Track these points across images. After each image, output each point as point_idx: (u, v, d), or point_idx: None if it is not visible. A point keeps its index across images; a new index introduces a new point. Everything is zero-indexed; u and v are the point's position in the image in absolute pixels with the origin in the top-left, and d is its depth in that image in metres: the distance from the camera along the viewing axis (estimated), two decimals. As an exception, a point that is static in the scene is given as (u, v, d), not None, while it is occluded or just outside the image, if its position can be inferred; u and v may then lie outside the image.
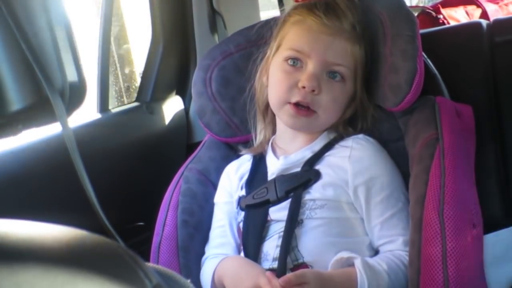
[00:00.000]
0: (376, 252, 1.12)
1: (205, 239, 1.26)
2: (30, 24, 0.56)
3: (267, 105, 1.23)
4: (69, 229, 0.45)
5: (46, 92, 0.53)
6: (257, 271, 1.06)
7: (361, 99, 1.19)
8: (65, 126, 0.52)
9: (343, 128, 1.20)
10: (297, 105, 1.13)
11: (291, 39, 1.17)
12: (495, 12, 2.52)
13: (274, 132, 1.26)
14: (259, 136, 1.27)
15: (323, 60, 1.13)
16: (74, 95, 0.57)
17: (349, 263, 1.05)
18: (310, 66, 1.13)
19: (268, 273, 1.03)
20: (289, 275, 1.01)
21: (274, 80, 1.18)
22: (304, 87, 1.12)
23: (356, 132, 1.20)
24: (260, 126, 1.27)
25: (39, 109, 0.55)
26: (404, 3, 1.23)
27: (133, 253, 0.44)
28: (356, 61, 1.15)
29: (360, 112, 1.20)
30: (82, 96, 0.58)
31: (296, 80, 1.13)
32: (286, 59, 1.16)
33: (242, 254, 1.16)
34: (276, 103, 1.18)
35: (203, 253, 1.24)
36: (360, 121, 1.21)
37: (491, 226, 1.12)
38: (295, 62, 1.15)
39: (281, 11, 1.22)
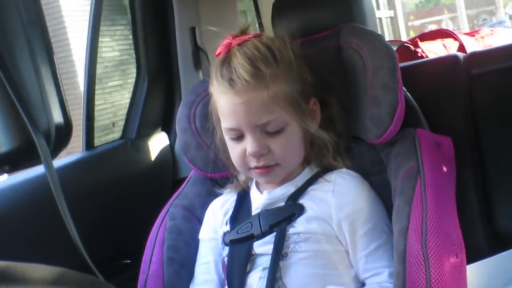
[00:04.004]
0: (362, 284, 1.12)
1: (191, 275, 1.25)
2: (15, 65, 0.56)
3: None
4: (55, 268, 0.46)
5: (31, 134, 0.54)
6: None
7: (314, 132, 1.17)
8: (49, 168, 0.52)
9: (326, 162, 1.21)
10: (257, 167, 1.14)
11: (220, 116, 1.17)
12: (472, 45, 2.58)
13: None
14: (241, 174, 1.28)
15: (253, 126, 1.11)
16: (59, 136, 0.58)
17: None
18: (247, 135, 1.12)
19: None
20: None
21: (227, 144, 1.19)
22: (252, 156, 1.13)
23: (339, 165, 1.21)
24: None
25: (25, 151, 0.55)
26: (383, 38, 1.25)
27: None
28: (290, 101, 1.12)
29: (324, 143, 1.19)
30: (68, 136, 0.59)
31: (243, 149, 1.14)
32: (227, 133, 1.16)
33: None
34: (239, 169, 1.19)
35: (189, 289, 1.23)
36: (340, 152, 1.21)
37: (473, 255, 1.12)
38: (234, 135, 1.15)
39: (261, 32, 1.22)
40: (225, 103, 1.13)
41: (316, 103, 1.19)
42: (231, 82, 1.10)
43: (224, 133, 1.18)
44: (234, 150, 1.16)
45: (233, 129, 1.13)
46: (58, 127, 0.57)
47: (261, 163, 1.13)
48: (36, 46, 0.58)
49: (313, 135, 1.18)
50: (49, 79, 0.59)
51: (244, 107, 1.10)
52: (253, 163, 1.14)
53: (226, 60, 1.13)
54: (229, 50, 1.13)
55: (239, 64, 1.10)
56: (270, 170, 1.15)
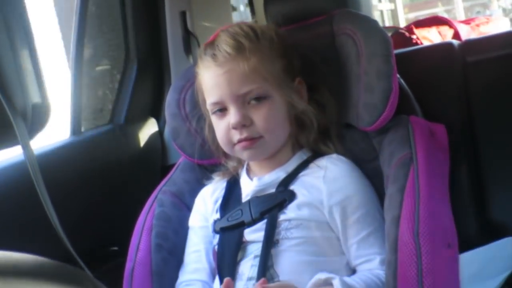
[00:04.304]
0: (353, 271, 1.11)
1: (179, 263, 1.23)
2: None
3: None
4: (29, 256, 0.44)
5: (8, 114, 0.51)
6: None
7: (304, 109, 1.17)
8: (27, 149, 0.50)
9: (317, 147, 1.19)
10: (240, 141, 1.14)
11: (205, 93, 1.19)
12: (467, 33, 2.56)
13: None
14: (230, 161, 1.26)
15: (235, 96, 1.12)
16: (37, 117, 0.56)
17: (327, 284, 1.04)
18: (230, 107, 1.13)
19: (226, 279, 1.03)
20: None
21: (213, 123, 1.20)
22: (235, 128, 1.13)
23: (330, 151, 1.19)
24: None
25: (1, 131, 0.53)
26: (378, 24, 1.23)
27: (95, 280, 0.42)
28: (271, 74, 1.14)
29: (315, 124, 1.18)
30: (46, 117, 0.57)
31: (228, 123, 1.14)
32: (212, 109, 1.17)
33: (217, 277, 1.15)
34: (224, 147, 1.19)
35: (177, 278, 1.21)
36: (332, 138, 1.20)
37: (466, 245, 1.11)
38: (218, 109, 1.15)
39: (254, 22, 1.23)
40: (208, 76, 1.15)
41: (301, 83, 1.20)
42: (213, 56, 1.14)
43: (209, 111, 1.18)
44: (219, 127, 1.16)
45: (217, 103, 1.15)
46: (36, 107, 0.55)
47: (244, 135, 1.13)
48: (13, 24, 0.55)
49: (300, 114, 1.18)
50: (27, 57, 0.57)
51: (226, 77, 1.12)
52: (236, 136, 1.14)
53: (211, 41, 1.17)
54: (215, 36, 1.17)
55: (222, 40, 1.14)
56: (254, 142, 1.14)
